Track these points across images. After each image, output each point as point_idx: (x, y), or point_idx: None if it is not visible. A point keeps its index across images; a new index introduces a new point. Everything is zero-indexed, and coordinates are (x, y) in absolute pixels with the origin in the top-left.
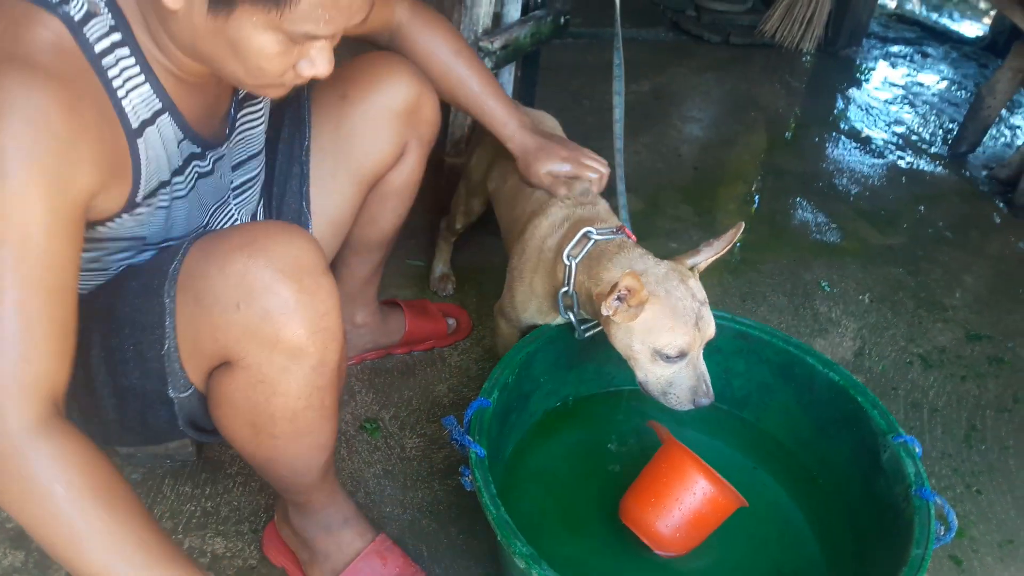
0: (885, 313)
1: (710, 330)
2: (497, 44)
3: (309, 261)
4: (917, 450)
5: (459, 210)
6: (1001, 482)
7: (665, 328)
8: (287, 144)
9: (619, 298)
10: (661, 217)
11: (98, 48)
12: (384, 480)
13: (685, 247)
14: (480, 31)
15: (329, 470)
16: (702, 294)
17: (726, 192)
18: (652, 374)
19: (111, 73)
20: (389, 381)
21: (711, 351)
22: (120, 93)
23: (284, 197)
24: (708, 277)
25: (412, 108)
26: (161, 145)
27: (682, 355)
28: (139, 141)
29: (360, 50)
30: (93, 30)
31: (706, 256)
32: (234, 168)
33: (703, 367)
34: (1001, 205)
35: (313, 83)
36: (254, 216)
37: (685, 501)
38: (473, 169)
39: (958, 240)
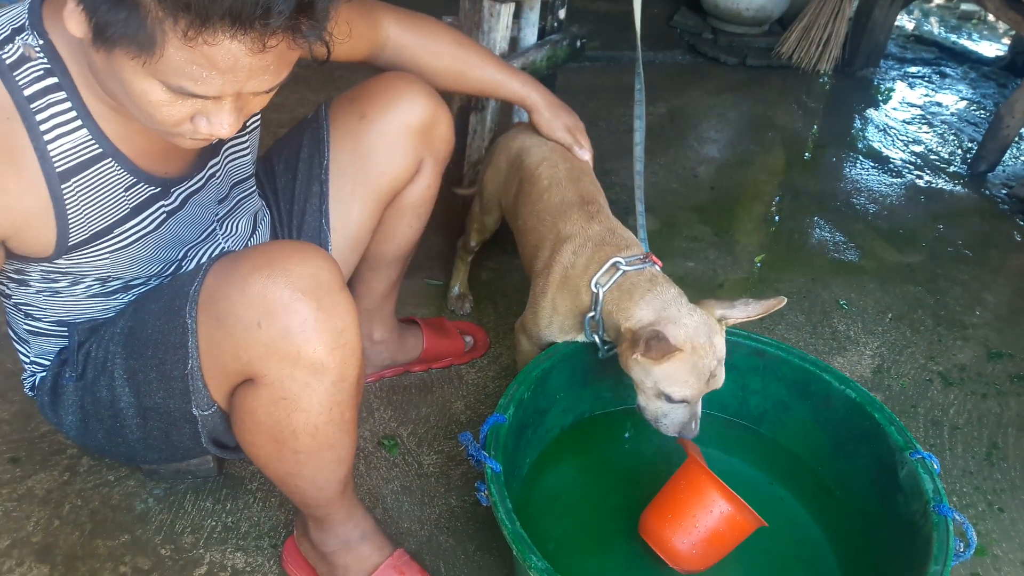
0: (904, 331)
1: (717, 384)
2: None
3: (326, 279)
4: (935, 466)
5: (473, 227)
6: None
7: (679, 380)
8: (307, 164)
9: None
10: (678, 237)
11: (28, 92)
12: (402, 496)
13: (702, 267)
14: (497, 55)
15: (348, 484)
16: (722, 351)
17: (743, 212)
18: (652, 404)
19: (40, 117)
20: (407, 398)
21: (727, 368)
22: (48, 137)
23: (304, 216)
24: (728, 295)
25: (428, 126)
26: (100, 191)
27: (684, 402)
28: (64, 188)
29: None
30: (24, 75)
31: (739, 314)
32: (220, 201)
33: (698, 408)
34: (1021, 223)
35: (332, 104)
36: (248, 243)
37: (702, 519)
38: (486, 185)
39: (977, 258)
